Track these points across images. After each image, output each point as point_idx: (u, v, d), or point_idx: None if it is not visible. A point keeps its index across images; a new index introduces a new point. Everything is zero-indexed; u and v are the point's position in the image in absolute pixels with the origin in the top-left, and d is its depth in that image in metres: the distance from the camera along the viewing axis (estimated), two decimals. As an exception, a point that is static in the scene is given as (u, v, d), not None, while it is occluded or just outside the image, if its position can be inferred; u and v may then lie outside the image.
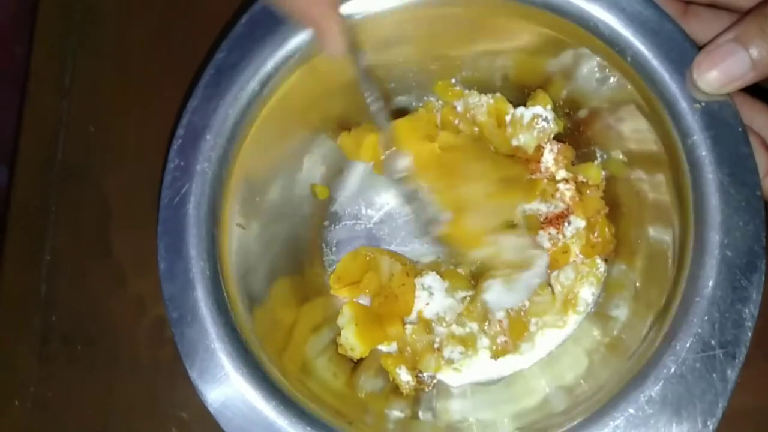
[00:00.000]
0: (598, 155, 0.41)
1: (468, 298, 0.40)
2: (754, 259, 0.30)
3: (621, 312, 0.37)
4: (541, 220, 0.41)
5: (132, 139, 0.48)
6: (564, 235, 0.40)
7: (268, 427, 0.31)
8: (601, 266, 0.40)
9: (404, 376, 0.40)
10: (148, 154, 0.45)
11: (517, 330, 0.40)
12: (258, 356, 0.32)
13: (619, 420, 0.30)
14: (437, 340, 0.40)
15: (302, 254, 0.42)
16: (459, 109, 0.42)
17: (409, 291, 0.40)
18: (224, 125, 0.34)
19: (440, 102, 0.43)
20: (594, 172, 0.41)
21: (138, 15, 0.50)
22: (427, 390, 0.40)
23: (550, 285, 0.40)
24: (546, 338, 0.40)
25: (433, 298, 0.40)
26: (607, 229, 0.40)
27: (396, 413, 0.38)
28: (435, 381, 0.41)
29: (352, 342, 0.39)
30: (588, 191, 0.41)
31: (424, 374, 0.41)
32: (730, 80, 0.31)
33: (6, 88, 0.52)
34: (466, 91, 0.42)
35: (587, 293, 0.40)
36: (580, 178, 0.41)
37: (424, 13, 0.36)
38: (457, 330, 0.40)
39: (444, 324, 0.40)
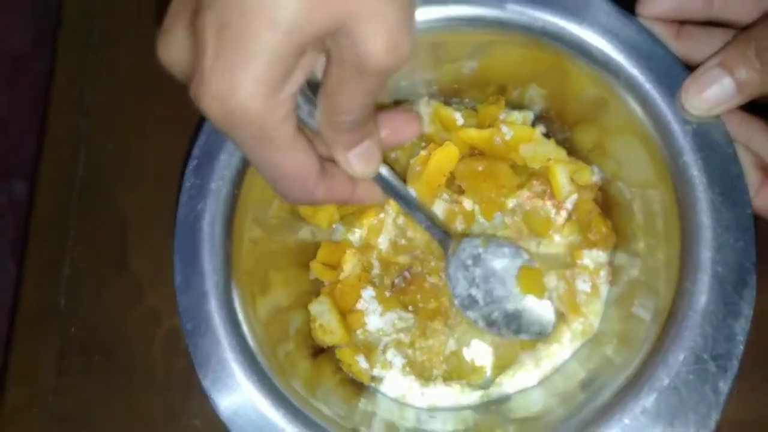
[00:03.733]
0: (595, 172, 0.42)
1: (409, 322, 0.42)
2: (744, 276, 0.32)
3: (619, 327, 0.38)
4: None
5: (150, 159, 0.50)
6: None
7: (277, 435, 0.33)
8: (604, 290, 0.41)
9: (363, 364, 0.41)
10: (165, 172, 0.47)
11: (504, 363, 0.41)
12: (268, 366, 0.34)
13: (614, 430, 0.31)
14: (382, 342, 0.42)
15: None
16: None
17: (352, 295, 0.42)
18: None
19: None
20: (586, 174, 0.42)
21: (154, 37, 0.51)
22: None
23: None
24: (545, 360, 0.41)
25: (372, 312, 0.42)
26: (603, 227, 0.41)
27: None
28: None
29: (334, 327, 0.40)
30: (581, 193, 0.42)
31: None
32: (716, 104, 0.33)
33: (28, 108, 0.54)
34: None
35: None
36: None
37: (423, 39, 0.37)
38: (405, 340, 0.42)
39: (385, 334, 0.42)
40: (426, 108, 0.43)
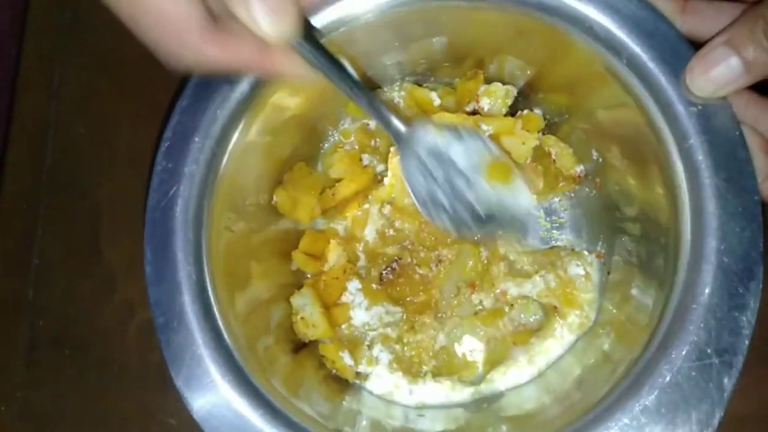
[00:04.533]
0: (594, 156, 0.41)
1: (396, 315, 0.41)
2: (751, 266, 0.30)
3: (616, 320, 0.37)
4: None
5: (123, 143, 0.48)
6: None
7: (253, 434, 0.31)
8: (596, 274, 0.41)
9: (347, 360, 0.40)
10: (139, 157, 0.45)
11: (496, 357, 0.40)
12: (246, 363, 0.32)
13: (613, 430, 0.30)
14: (368, 336, 0.41)
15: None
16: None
17: (337, 287, 0.41)
18: (213, 126, 0.34)
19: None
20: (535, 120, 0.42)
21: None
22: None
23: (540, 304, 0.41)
24: (539, 356, 0.40)
25: (357, 306, 0.41)
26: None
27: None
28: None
29: (317, 320, 0.39)
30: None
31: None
32: (723, 85, 0.32)
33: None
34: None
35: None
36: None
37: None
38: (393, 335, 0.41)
39: (371, 329, 0.41)
40: (400, 92, 0.42)
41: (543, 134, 0.43)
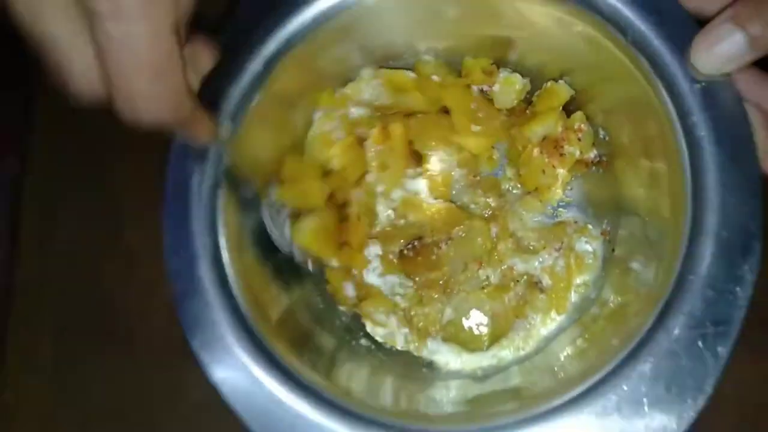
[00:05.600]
0: (601, 134, 0.43)
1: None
2: (750, 240, 0.32)
3: (617, 291, 0.39)
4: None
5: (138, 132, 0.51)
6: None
7: (268, 397, 0.34)
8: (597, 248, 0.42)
9: (349, 292, 0.43)
10: (157, 140, 0.48)
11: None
12: (258, 328, 0.35)
13: (611, 395, 0.32)
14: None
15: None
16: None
17: (358, 231, 0.43)
18: (227, 105, 0.37)
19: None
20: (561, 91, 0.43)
21: None
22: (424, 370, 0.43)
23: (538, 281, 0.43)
24: (541, 329, 0.42)
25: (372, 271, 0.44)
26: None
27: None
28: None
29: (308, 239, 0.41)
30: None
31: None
32: (727, 61, 0.33)
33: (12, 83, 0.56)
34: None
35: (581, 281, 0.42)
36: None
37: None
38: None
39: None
40: (372, 80, 0.43)
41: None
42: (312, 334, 0.40)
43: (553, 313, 0.42)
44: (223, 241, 0.36)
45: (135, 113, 0.29)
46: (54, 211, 0.51)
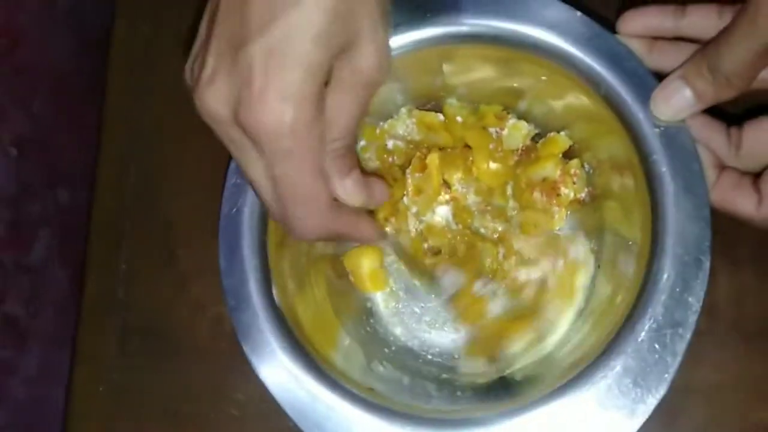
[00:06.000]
0: (586, 168, 0.50)
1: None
2: (700, 257, 0.39)
3: (600, 301, 0.47)
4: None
5: (191, 167, 0.58)
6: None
7: (306, 392, 0.41)
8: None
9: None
10: (205, 179, 0.54)
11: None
12: (298, 335, 0.43)
13: (587, 389, 0.39)
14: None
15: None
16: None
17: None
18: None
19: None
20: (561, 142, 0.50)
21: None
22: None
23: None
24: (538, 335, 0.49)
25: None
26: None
27: None
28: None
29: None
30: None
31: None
32: (679, 111, 0.40)
33: (72, 119, 0.64)
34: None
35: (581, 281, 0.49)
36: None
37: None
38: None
39: None
40: (408, 119, 0.51)
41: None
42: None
43: (561, 306, 0.49)
44: (269, 264, 0.44)
45: (293, 230, 0.39)
46: (116, 237, 0.59)
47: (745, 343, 0.50)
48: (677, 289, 0.39)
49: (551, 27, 0.43)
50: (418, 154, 0.51)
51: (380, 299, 0.52)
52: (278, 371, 0.42)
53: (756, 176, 0.42)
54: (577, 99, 0.45)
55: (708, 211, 0.40)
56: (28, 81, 0.59)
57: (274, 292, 0.44)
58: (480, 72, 0.48)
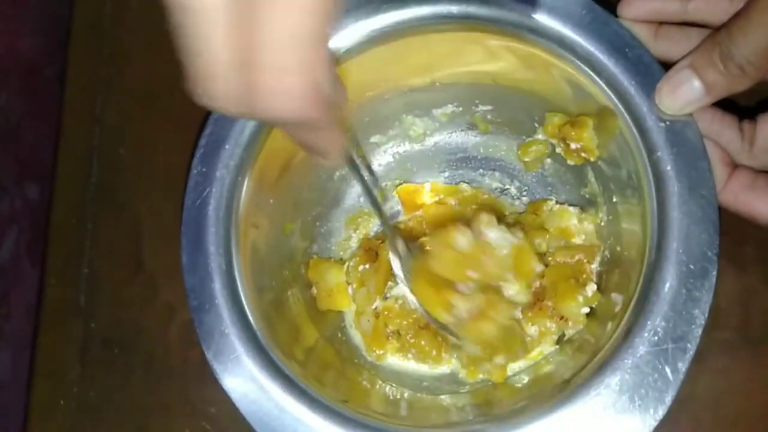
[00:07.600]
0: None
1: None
2: (706, 265, 0.37)
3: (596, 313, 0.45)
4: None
5: (159, 163, 0.57)
6: None
7: (274, 404, 0.40)
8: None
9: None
10: (175, 176, 0.52)
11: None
12: (266, 340, 0.41)
13: (580, 405, 0.37)
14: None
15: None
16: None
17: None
18: (242, 136, 0.43)
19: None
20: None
21: (164, 50, 0.58)
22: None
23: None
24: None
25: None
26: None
27: None
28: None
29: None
30: None
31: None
32: (687, 104, 0.39)
33: (40, 114, 0.62)
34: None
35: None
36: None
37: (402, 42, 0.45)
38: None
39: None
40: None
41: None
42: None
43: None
44: (235, 261, 0.42)
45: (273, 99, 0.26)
46: (77, 238, 0.58)
47: (750, 348, 0.48)
48: (681, 300, 0.37)
49: (550, 9, 0.42)
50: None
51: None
52: (243, 380, 0.40)
53: (772, 175, 0.40)
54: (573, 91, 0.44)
55: (716, 213, 0.38)
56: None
57: (241, 291, 0.42)
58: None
